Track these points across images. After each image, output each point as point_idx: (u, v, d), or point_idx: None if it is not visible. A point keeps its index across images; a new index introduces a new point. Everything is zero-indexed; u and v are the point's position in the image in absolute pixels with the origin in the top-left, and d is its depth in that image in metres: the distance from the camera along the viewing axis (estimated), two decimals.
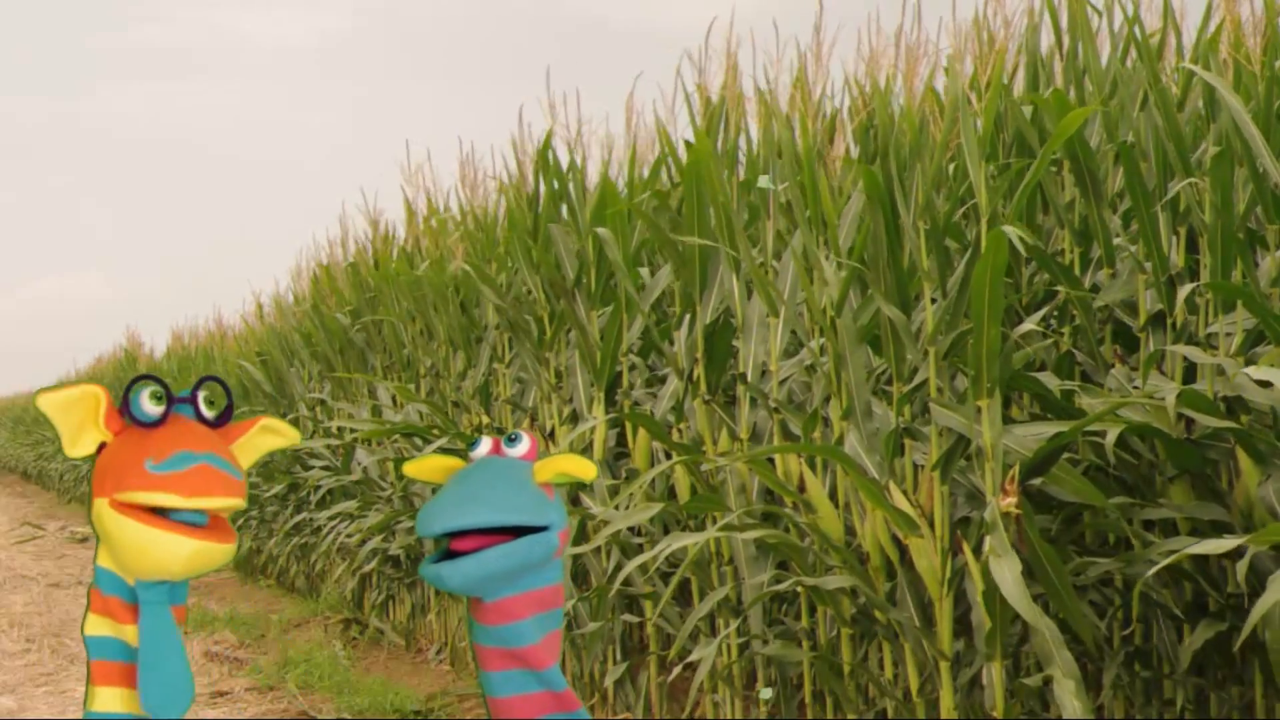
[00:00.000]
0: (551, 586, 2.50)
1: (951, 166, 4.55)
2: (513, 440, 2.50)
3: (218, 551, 2.36)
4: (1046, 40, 5.05)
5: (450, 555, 2.42)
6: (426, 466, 2.59)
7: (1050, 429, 3.89)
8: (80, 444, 2.37)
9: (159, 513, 2.32)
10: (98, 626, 2.40)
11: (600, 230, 5.49)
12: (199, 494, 2.32)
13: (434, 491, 2.49)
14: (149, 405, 2.35)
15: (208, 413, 2.42)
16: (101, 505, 2.34)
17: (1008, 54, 4.62)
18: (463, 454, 2.56)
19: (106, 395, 2.37)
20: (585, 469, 2.51)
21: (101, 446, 2.38)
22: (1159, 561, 3.98)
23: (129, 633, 2.39)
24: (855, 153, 4.81)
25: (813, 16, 4.64)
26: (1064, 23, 4.91)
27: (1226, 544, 3.33)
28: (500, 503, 2.41)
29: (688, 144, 5.59)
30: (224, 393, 2.46)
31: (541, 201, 6.44)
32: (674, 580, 4.67)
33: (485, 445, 2.52)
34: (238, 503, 2.38)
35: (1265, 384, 3.78)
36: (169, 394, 2.38)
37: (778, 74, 5.06)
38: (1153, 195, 4.31)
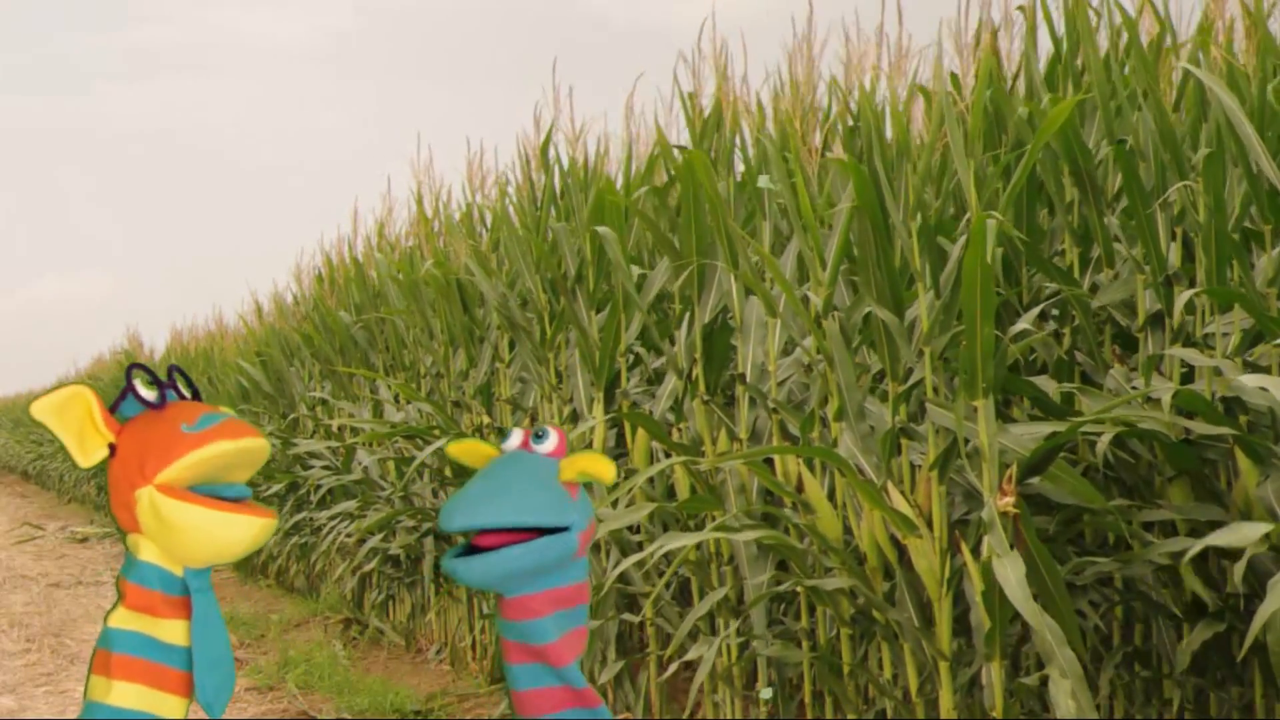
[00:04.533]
0: (574, 585, 2.49)
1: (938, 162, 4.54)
2: (540, 436, 2.47)
3: (271, 527, 2.39)
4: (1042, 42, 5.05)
5: (472, 550, 2.42)
6: (468, 449, 2.58)
7: (1046, 428, 3.89)
8: (89, 451, 2.34)
9: (212, 496, 2.33)
10: (130, 621, 2.37)
11: (602, 230, 5.49)
12: (243, 434, 2.34)
13: (453, 474, 2.50)
14: (148, 391, 2.36)
15: (186, 393, 2.43)
16: (151, 496, 2.30)
17: (994, 52, 4.62)
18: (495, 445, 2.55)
19: (96, 396, 2.36)
20: (605, 470, 2.49)
21: (112, 450, 2.36)
22: (1159, 561, 3.99)
23: (165, 629, 2.37)
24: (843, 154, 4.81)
25: (806, 15, 4.65)
26: (1060, 26, 4.90)
27: (1235, 535, 3.33)
28: (519, 503, 2.39)
29: (682, 148, 5.60)
30: (187, 380, 2.47)
31: (541, 198, 6.45)
32: (666, 575, 4.67)
33: (517, 437, 2.50)
34: (268, 446, 2.41)
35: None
36: (156, 379, 2.39)
37: (770, 75, 5.07)
38: (1150, 196, 4.31)
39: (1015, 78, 4.94)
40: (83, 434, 2.34)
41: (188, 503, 2.31)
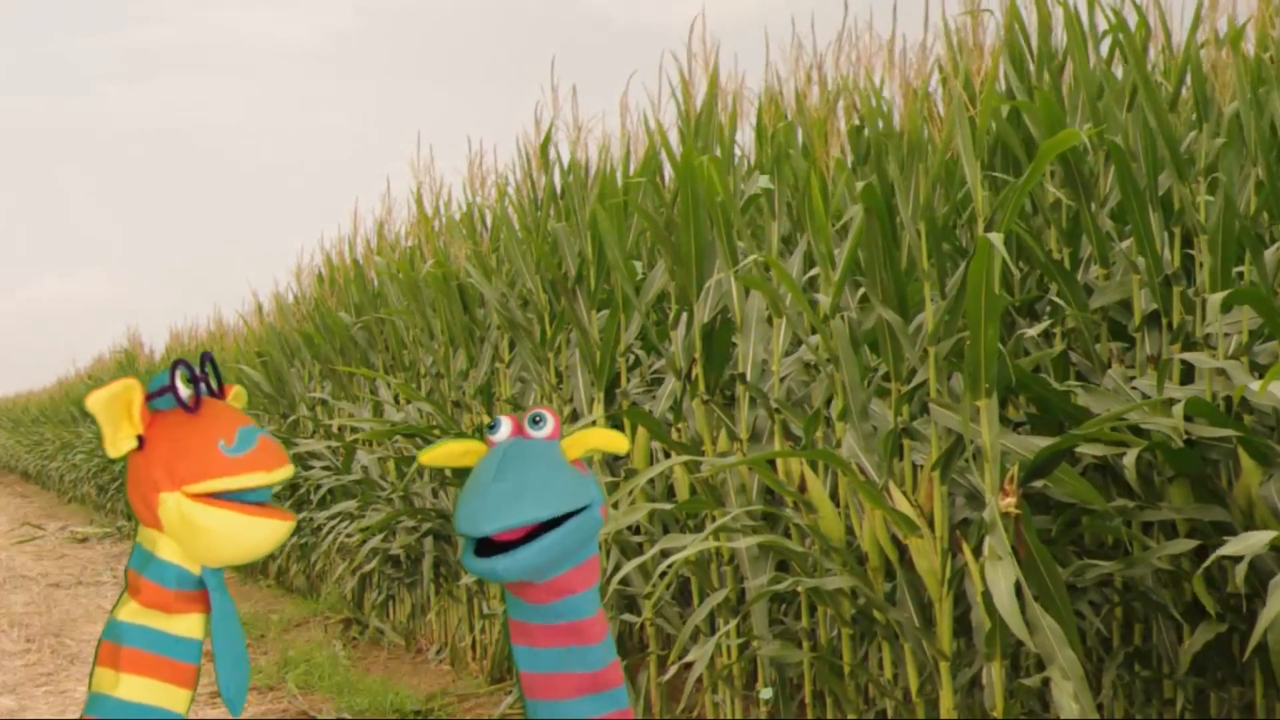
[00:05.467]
0: (595, 556, 2.51)
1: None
2: (537, 422, 2.46)
3: (290, 529, 2.42)
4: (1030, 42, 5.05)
5: (489, 544, 2.41)
6: (443, 453, 2.57)
7: (1052, 438, 3.88)
8: (120, 442, 2.33)
9: (233, 497, 2.34)
10: (142, 617, 2.38)
11: (599, 218, 5.47)
12: (276, 466, 2.38)
13: (454, 474, 2.48)
14: (187, 389, 2.36)
15: (214, 385, 2.43)
16: (177, 500, 2.31)
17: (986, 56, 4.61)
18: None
19: (142, 389, 2.36)
20: (617, 443, 2.49)
21: (140, 441, 2.36)
22: (1158, 564, 3.99)
23: (177, 623, 2.38)
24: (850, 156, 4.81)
25: (812, 17, 4.66)
26: (1032, 22, 4.88)
27: (1243, 545, 3.32)
28: (547, 494, 2.39)
29: (682, 139, 5.60)
30: (216, 372, 2.47)
31: (541, 197, 6.44)
32: (670, 577, 4.66)
33: (506, 427, 2.49)
34: (293, 471, 2.45)
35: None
36: (193, 375, 2.38)
37: (776, 75, 5.08)
38: (1144, 195, 4.31)
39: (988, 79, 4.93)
40: (118, 425, 2.34)
41: (215, 507, 2.32)
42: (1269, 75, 4.20)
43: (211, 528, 2.33)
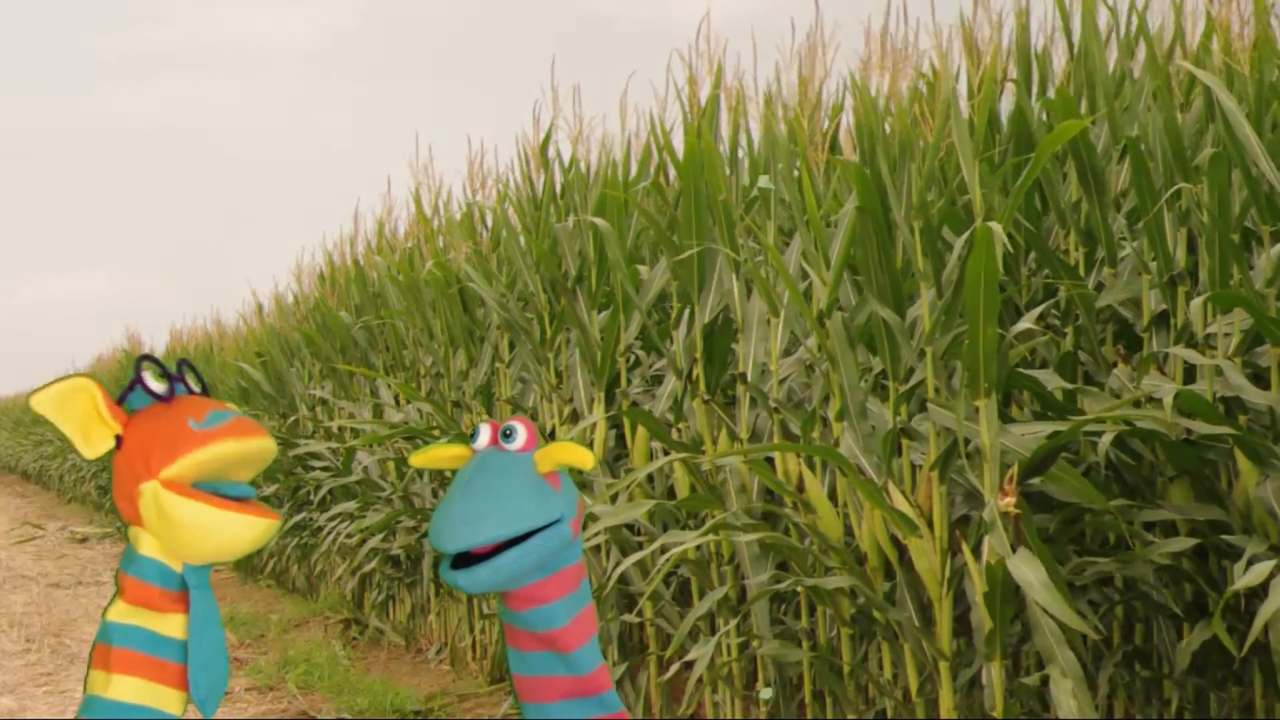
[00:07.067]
0: (574, 566, 2.49)
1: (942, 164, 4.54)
2: (508, 435, 2.46)
3: (274, 528, 2.37)
4: (1039, 40, 5.05)
5: (466, 556, 2.42)
6: (433, 457, 2.57)
7: (1048, 428, 3.89)
8: (95, 443, 2.31)
9: (215, 494, 2.31)
10: (129, 616, 2.36)
11: (598, 221, 5.48)
12: (251, 434, 2.32)
13: (452, 474, 2.47)
14: (158, 383, 2.34)
15: (195, 387, 2.41)
16: (155, 491, 2.28)
17: (999, 53, 4.61)
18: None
19: (100, 387, 2.34)
20: (583, 458, 2.47)
21: (118, 441, 2.35)
22: (1157, 560, 3.99)
23: (165, 622, 2.36)
24: (851, 154, 4.80)
25: (811, 15, 4.65)
26: (1052, 19, 4.90)
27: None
28: (508, 514, 2.39)
29: (686, 138, 5.60)
30: (196, 375, 2.45)
31: (541, 197, 6.45)
32: (665, 568, 4.66)
33: (485, 434, 2.49)
34: (275, 446, 2.39)
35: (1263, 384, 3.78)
36: (166, 371, 2.37)
37: (776, 73, 5.08)
38: (1159, 195, 4.31)
39: (1004, 78, 4.93)
40: (87, 426, 2.32)
41: (191, 500, 2.30)
42: (1240, 81, 4.20)
43: (186, 521, 2.29)
